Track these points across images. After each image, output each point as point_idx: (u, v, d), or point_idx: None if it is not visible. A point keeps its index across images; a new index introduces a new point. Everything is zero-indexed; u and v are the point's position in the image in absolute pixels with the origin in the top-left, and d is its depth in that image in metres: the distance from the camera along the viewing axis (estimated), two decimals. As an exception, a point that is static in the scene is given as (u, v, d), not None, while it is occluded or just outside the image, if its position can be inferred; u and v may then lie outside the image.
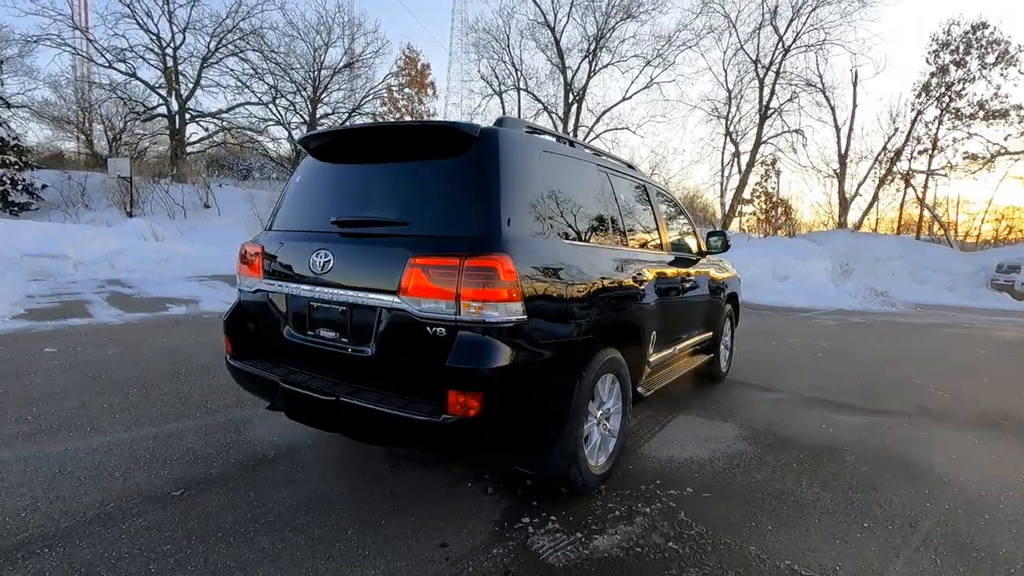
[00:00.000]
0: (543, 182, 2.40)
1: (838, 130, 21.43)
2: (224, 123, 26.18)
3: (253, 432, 3.30)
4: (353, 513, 2.40)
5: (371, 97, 26.52)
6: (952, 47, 20.69)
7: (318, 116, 26.97)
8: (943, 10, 28.52)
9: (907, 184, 23.07)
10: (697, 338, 4.17)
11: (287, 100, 26.21)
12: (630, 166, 3.70)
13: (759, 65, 20.55)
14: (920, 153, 22.00)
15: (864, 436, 3.63)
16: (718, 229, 4.43)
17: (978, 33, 20.06)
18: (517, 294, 1.99)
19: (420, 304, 2.02)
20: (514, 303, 1.98)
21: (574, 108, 25.61)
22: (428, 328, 2.01)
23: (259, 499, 2.50)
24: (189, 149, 25.74)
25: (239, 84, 24.71)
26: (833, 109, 20.89)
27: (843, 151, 21.56)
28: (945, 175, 22.06)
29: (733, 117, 22.08)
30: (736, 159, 22.41)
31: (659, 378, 3.42)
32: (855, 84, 20.70)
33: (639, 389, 3.07)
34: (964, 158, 21.20)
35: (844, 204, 21.91)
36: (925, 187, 23.06)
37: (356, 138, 2.56)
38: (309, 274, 2.36)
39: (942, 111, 21.09)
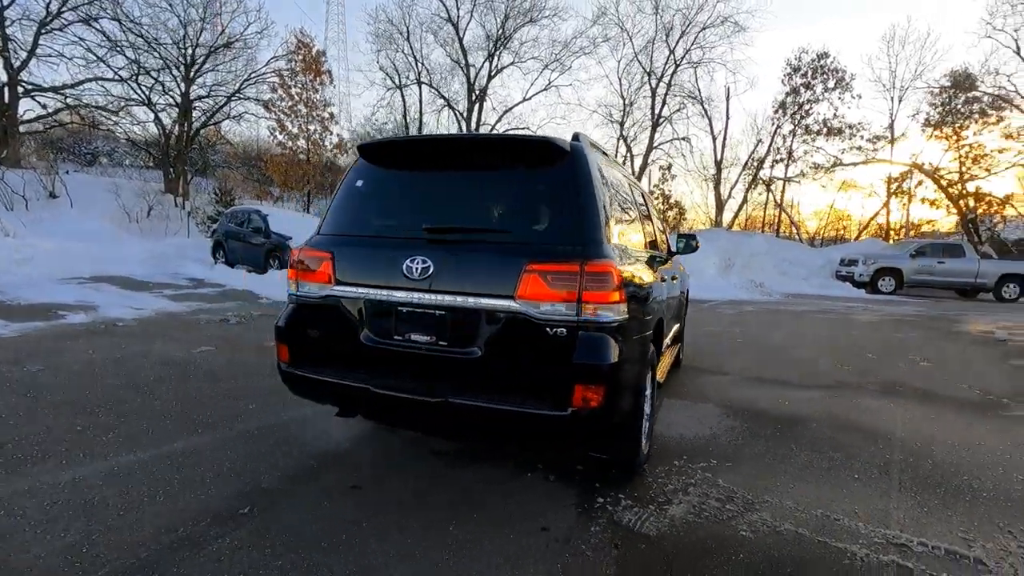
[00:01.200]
0: (606, 193, 2.64)
1: (714, 139, 24.08)
2: (70, 100, 22.68)
3: (282, 442, 3.17)
4: (439, 510, 2.47)
5: (254, 81, 24.63)
6: (802, 72, 24.06)
7: (192, 98, 24.47)
8: (804, 37, 33.17)
9: (767, 188, 26.40)
10: (675, 329, 4.65)
11: (152, 78, 23.41)
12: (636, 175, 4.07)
13: (652, 76, 22.41)
14: (778, 161, 25.33)
15: (815, 407, 4.33)
16: (686, 232, 4.93)
17: (822, 61, 23.56)
18: (623, 296, 2.21)
19: (539, 307, 2.17)
20: (621, 304, 2.20)
21: (477, 106, 25.87)
22: (548, 328, 2.17)
23: (338, 506, 2.47)
24: (23, 128, 21.98)
25: (90, 56, 21.54)
26: (710, 120, 23.42)
27: (718, 158, 24.26)
28: (798, 182, 25.67)
29: (626, 123, 23.81)
30: (630, 162, 24.19)
31: (663, 367, 3.82)
32: (728, 98, 23.41)
33: (658, 378, 3.43)
34: (811, 167, 24.86)
35: (720, 205, 24.65)
36: (783, 191, 26.65)
37: (439, 148, 2.62)
38: (401, 280, 2.40)
39: (795, 126, 24.46)
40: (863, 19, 48.02)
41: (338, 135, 24.72)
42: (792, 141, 24.76)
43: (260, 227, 12.83)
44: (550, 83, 26.08)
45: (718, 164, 24.29)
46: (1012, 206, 24.03)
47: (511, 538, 2.27)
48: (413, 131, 27.20)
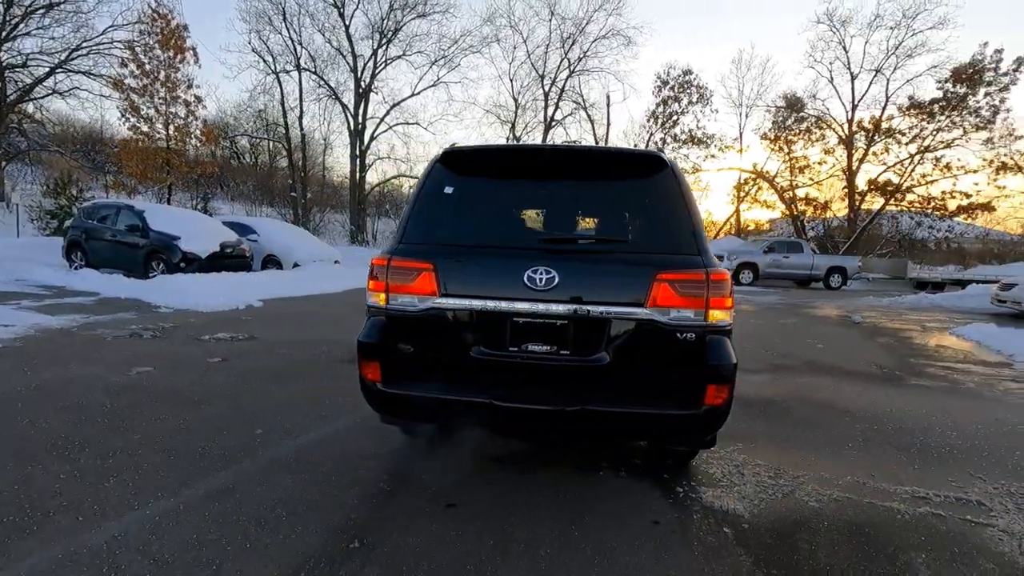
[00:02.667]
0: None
1: (597, 143, 25.66)
2: None
3: (332, 467, 2.92)
4: (547, 518, 2.49)
5: (87, 51, 21.09)
6: (670, 85, 26.62)
7: (3, 64, 20.34)
8: (676, 54, 36.63)
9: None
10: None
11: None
12: None
13: (544, 80, 23.27)
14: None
15: (778, 389, 4.96)
16: None
17: (687, 77, 26.30)
18: (733, 300, 2.42)
19: (668, 313, 2.30)
20: (732, 308, 2.40)
21: (364, 98, 24.80)
22: (678, 334, 2.30)
23: (447, 527, 2.38)
24: None
25: None
26: (593, 124, 24.99)
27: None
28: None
29: (518, 124, 24.48)
30: None
31: None
32: (608, 105, 25.12)
33: None
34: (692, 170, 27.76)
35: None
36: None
37: (537, 157, 2.59)
38: (522, 290, 2.37)
39: (665, 135, 27.00)
40: (723, 42, 54.37)
41: (204, 120, 22.18)
42: (663, 148, 27.27)
43: (136, 225, 11.18)
44: (439, 79, 25.90)
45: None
46: (830, 209, 28.90)
47: (636, 534, 2.38)
48: (293, 120, 25.33)
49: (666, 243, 2.43)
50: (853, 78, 27.09)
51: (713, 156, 29.09)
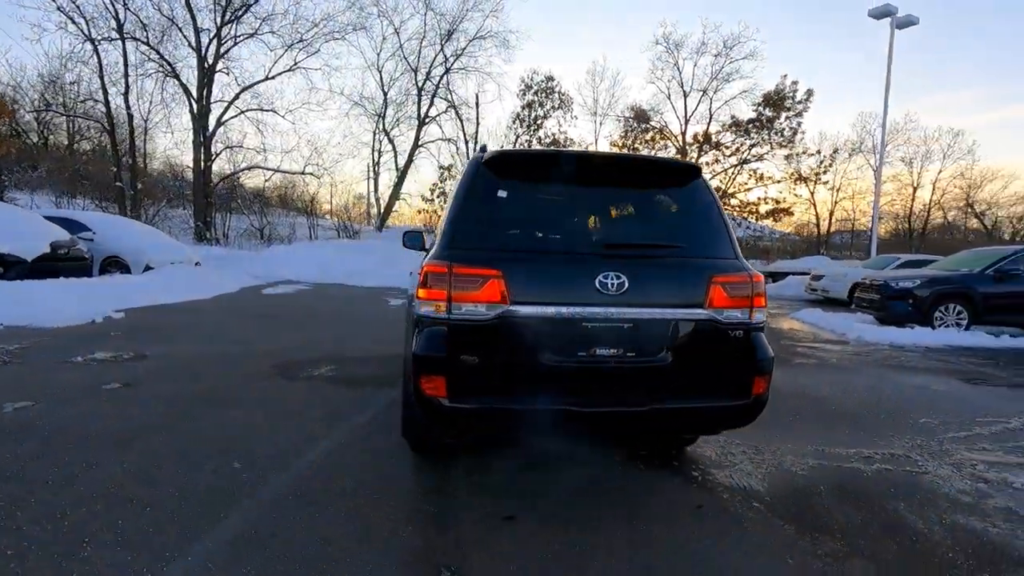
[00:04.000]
0: None
1: (467, 142, 25.89)
2: None
3: (353, 493, 2.66)
4: (605, 519, 2.56)
5: None
6: (533, 90, 27.80)
7: None
8: (542, 61, 38.04)
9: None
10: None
11: None
12: None
13: (418, 74, 22.72)
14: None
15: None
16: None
17: (549, 83, 27.69)
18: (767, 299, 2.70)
19: (722, 313, 2.49)
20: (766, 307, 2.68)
21: (208, 78, 22.01)
22: (730, 332, 2.50)
23: (525, 535, 2.32)
24: None
25: None
26: (462, 123, 25.11)
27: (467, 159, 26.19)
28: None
29: (387, 117, 23.63)
30: (393, 159, 24.16)
31: None
32: (477, 105, 25.43)
33: None
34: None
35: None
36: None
37: (586, 164, 2.60)
38: (595, 295, 2.39)
39: (530, 137, 28.15)
40: (581, 51, 57.70)
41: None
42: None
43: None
44: (296, 64, 23.99)
45: (470, 166, 26.38)
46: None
47: (688, 522, 2.55)
48: (115, 94, 21.61)
49: (710, 248, 2.63)
50: (686, 96, 30.79)
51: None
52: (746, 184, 29.26)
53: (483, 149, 2.86)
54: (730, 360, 2.57)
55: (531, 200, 2.64)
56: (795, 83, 27.08)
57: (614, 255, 2.52)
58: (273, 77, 23.87)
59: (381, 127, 23.51)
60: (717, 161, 29.23)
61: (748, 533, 2.47)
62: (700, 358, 2.56)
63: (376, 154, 24.34)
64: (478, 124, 25.66)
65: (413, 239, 5.12)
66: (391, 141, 23.89)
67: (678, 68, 30.29)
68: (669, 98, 31.19)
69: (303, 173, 23.68)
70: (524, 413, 2.35)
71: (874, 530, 2.53)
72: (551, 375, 2.44)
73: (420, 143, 24.03)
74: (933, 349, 7.76)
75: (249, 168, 23.98)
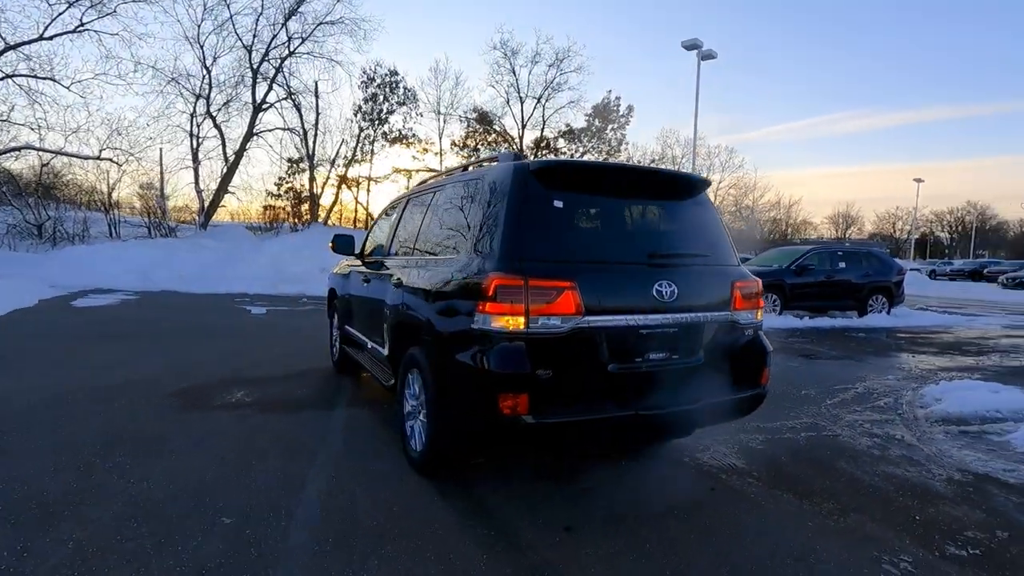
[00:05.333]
0: None
1: (305, 133, 23.87)
2: None
3: (388, 526, 2.43)
4: (637, 511, 2.73)
5: None
6: (377, 83, 26.75)
7: None
8: (388, 53, 36.06)
9: (347, 187, 28.22)
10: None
11: None
12: None
13: (253, 54, 20.09)
14: (358, 162, 27.53)
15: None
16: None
17: (393, 77, 26.88)
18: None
19: (741, 315, 2.79)
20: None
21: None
22: (745, 331, 2.82)
23: (593, 544, 2.37)
24: None
25: None
26: (300, 112, 23.07)
27: (310, 152, 24.23)
28: (383, 182, 28.52)
29: (212, 98, 20.57)
30: (221, 147, 21.10)
31: None
32: (317, 96, 23.57)
33: None
34: (394, 171, 28.27)
35: (314, 201, 24.73)
36: (368, 191, 29.04)
37: (626, 177, 2.69)
38: (652, 303, 2.51)
39: (375, 132, 27.06)
40: (425, 50, 56.22)
41: None
42: (373, 143, 27.33)
43: None
44: (83, 24, 19.69)
45: (310, 159, 24.32)
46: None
47: (715, 505, 2.83)
48: None
49: (724, 255, 2.93)
50: (522, 101, 32.39)
51: (415, 158, 30.62)
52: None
53: (517, 156, 2.79)
54: (746, 356, 2.91)
55: (581, 210, 2.67)
56: (618, 98, 30.28)
57: (661, 264, 2.69)
58: (50, 38, 19.30)
59: (205, 110, 20.48)
60: (554, 165, 31.33)
61: (764, 507, 2.83)
62: (725, 356, 2.85)
63: (196, 140, 21.15)
64: (318, 114, 23.82)
65: (345, 243, 4.80)
66: (218, 127, 20.96)
67: (515, 74, 31.74)
68: (508, 103, 32.56)
69: (98, 159, 19.56)
70: (598, 422, 2.40)
71: (844, 486, 3.09)
72: (617, 383, 2.52)
73: (255, 132, 21.53)
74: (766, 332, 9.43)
75: (18, 149, 19.09)
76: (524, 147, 32.22)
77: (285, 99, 21.87)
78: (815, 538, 2.52)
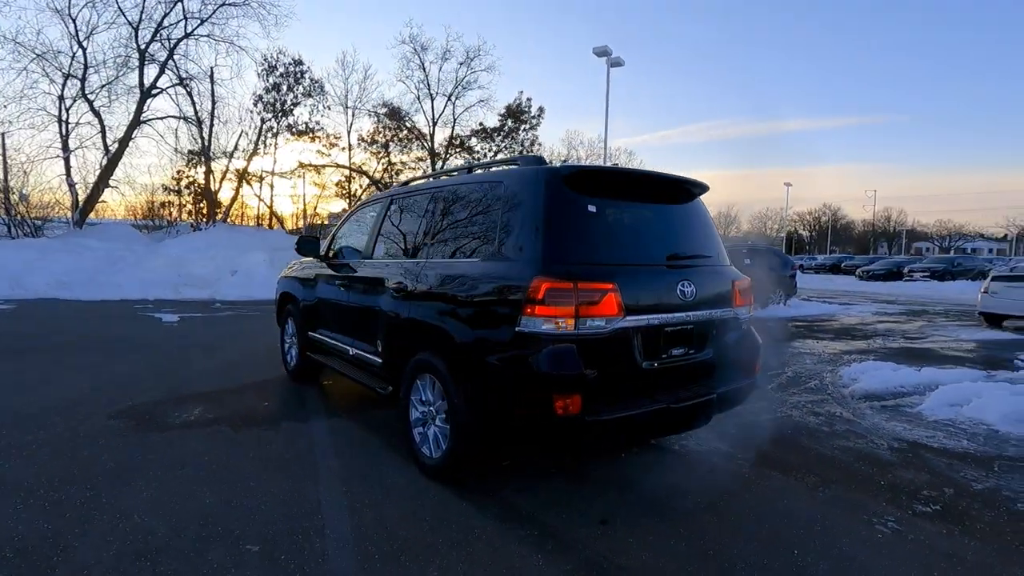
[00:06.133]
0: None
1: (200, 123, 21.80)
2: None
3: (429, 541, 2.39)
4: (668, 502, 2.91)
5: None
6: (280, 71, 25.13)
7: None
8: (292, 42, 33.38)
9: (247, 182, 26.27)
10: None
11: None
12: None
13: (140, 33, 17.79)
14: (264, 155, 25.72)
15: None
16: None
17: (298, 67, 25.38)
18: None
19: (740, 311, 3.04)
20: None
21: None
22: (743, 326, 3.07)
23: (633, 535, 2.50)
24: None
25: None
26: (193, 101, 21.03)
27: (206, 144, 22.18)
28: (289, 177, 26.81)
29: (88, 78, 18.03)
30: (102, 135, 18.52)
31: None
32: (212, 82, 21.60)
33: None
34: (299, 166, 26.64)
35: (209, 197, 22.64)
36: (272, 185, 27.13)
37: (645, 182, 2.87)
38: (677, 302, 2.67)
39: (277, 124, 25.40)
40: (331, 42, 52.72)
41: None
42: (277, 138, 25.66)
43: None
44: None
45: (206, 151, 22.26)
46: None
47: (730, 489, 3.08)
48: None
49: (719, 255, 3.15)
50: (432, 98, 31.99)
51: (321, 153, 29.23)
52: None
53: (540, 160, 2.82)
54: (744, 348, 3.16)
55: (610, 215, 2.76)
56: (529, 99, 30.88)
57: (679, 265, 2.86)
58: None
59: (78, 92, 17.94)
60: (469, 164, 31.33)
61: (761, 484, 3.12)
62: (729, 349, 3.07)
63: (65, 126, 18.49)
64: (214, 102, 21.87)
65: (310, 246, 4.59)
66: (96, 113, 18.44)
67: (424, 70, 31.29)
68: (419, 99, 32.02)
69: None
70: (638, 417, 2.51)
71: (815, 461, 3.48)
72: (650, 379, 2.67)
73: (143, 119, 19.23)
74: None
75: None
76: (436, 144, 31.91)
77: (179, 84, 19.84)
78: (816, 507, 2.84)
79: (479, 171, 3.36)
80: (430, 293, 3.02)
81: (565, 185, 2.61)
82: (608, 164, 38.32)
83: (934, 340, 9.00)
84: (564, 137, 62.66)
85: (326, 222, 32.84)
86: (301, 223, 30.86)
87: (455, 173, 3.61)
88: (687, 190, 3.10)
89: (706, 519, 2.68)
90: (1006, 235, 72.21)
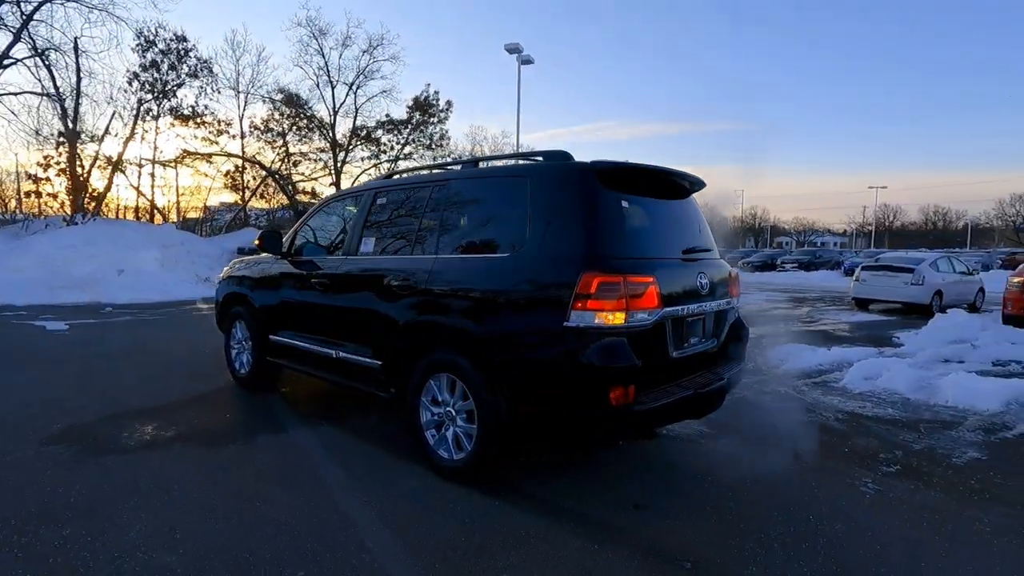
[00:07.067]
0: None
1: (61, 101, 18.88)
2: None
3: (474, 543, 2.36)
4: (696, 487, 3.09)
5: None
6: (160, 47, 22.52)
7: None
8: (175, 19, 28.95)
9: (121, 171, 23.34)
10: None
11: None
12: None
13: None
14: (143, 141, 22.92)
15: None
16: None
17: (182, 44, 22.87)
18: None
19: (735, 301, 3.28)
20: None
21: None
22: (737, 314, 3.32)
23: (674, 517, 2.64)
24: None
25: None
26: (53, 75, 18.20)
27: (71, 126, 19.26)
28: (174, 167, 24.06)
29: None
30: None
31: None
32: (77, 53, 18.79)
33: None
34: (184, 154, 24.01)
35: (77, 186, 19.71)
36: (153, 175, 24.19)
37: (668, 178, 3.01)
38: (697, 293, 2.85)
39: (158, 107, 22.77)
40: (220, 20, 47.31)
41: None
42: (158, 122, 23.04)
43: None
44: None
45: (71, 134, 19.36)
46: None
47: (735, 462, 3.31)
48: None
49: (713, 248, 3.36)
50: (333, 86, 30.45)
51: (209, 140, 26.71)
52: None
53: (566, 156, 2.83)
54: (738, 335, 3.40)
55: (639, 210, 2.83)
56: (437, 92, 30.41)
57: (693, 258, 3.02)
58: None
59: None
60: (377, 157, 30.34)
61: (751, 461, 3.40)
62: (728, 336, 3.29)
63: None
64: (79, 78, 19.12)
65: (273, 241, 4.28)
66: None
67: (323, 56, 29.68)
68: (318, 86, 30.31)
69: None
70: (674, 404, 2.63)
71: (785, 435, 3.83)
72: (679, 367, 2.81)
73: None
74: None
75: None
76: (338, 135, 30.46)
77: (36, 55, 17.10)
78: (807, 477, 3.16)
79: (483, 164, 3.31)
80: (450, 291, 2.93)
81: (599, 180, 2.66)
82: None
83: (824, 323, 10.25)
84: (468, 132, 62.57)
85: (214, 216, 30.22)
86: (175, 217, 28.02)
87: (458, 167, 3.51)
88: (692, 185, 3.26)
89: (725, 496, 2.87)
90: (845, 231, 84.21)
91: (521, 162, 3.12)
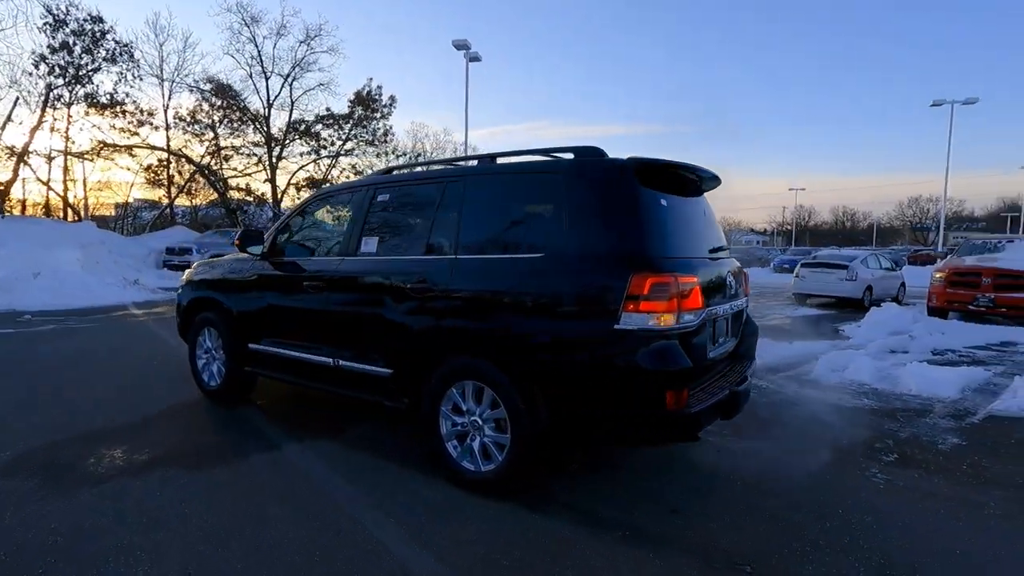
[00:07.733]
0: None
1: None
2: None
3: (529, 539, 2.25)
4: (732, 486, 3.09)
5: None
6: (72, 27, 20.53)
7: None
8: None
9: (25, 163, 21.13)
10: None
11: None
12: None
13: None
14: (53, 131, 20.81)
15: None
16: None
17: (98, 26, 20.93)
18: None
19: (746, 300, 3.32)
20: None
21: None
22: (747, 312, 3.35)
23: (711, 518, 2.62)
24: None
25: None
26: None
27: (-35, 112, 17.13)
28: (91, 159, 21.96)
29: None
30: None
31: None
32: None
33: None
34: (100, 145, 21.98)
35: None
36: (66, 168, 21.96)
37: (693, 175, 2.97)
38: (727, 292, 2.86)
39: (71, 94, 20.77)
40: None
41: None
42: (70, 109, 21.02)
43: None
44: None
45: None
46: (263, 199, 30.17)
47: (746, 458, 3.35)
48: None
49: (727, 246, 3.39)
50: (267, 77, 28.92)
51: (130, 131, 24.68)
52: (340, 178, 30.28)
53: (598, 152, 2.72)
54: (752, 332, 3.44)
55: (672, 208, 2.75)
56: (380, 87, 29.57)
57: (718, 257, 3.02)
58: None
59: None
60: (317, 152, 29.14)
61: (763, 454, 3.46)
62: (744, 334, 3.32)
63: None
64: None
65: (253, 240, 3.93)
66: None
67: (256, 44, 28.15)
68: (251, 76, 28.70)
69: None
70: (717, 405, 2.60)
71: (784, 428, 3.96)
72: (714, 367, 2.80)
73: None
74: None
75: None
76: (274, 129, 29.02)
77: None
78: (823, 471, 3.24)
79: (501, 160, 3.16)
80: (473, 293, 2.78)
81: (638, 178, 2.59)
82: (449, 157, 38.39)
83: (773, 318, 10.76)
84: (409, 129, 61.37)
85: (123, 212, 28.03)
86: (83, 214, 25.73)
87: (473, 162, 3.34)
88: (711, 183, 3.23)
89: (752, 495, 2.89)
90: (765, 230, 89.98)
91: (540, 158, 2.98)
